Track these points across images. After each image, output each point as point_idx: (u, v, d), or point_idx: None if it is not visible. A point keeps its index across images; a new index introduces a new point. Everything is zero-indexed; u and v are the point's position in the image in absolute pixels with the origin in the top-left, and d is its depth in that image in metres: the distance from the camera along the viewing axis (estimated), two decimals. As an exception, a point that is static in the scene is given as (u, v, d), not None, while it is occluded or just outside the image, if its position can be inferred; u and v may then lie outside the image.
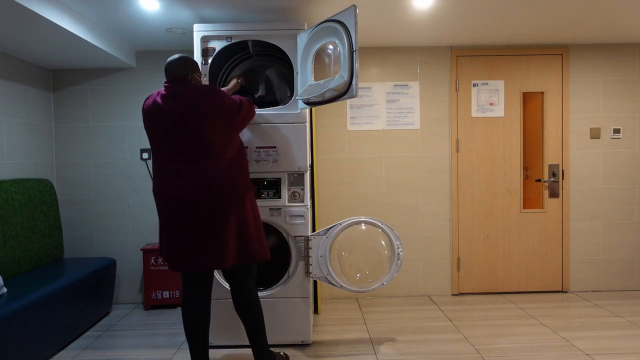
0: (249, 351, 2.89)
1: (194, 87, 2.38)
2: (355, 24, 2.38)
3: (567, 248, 4.07)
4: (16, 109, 3.44)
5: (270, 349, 2.61)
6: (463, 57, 4.01)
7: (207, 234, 2.30)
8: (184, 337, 3.17)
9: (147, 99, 2.44)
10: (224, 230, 2.32)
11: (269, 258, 2.53)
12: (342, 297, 4.02)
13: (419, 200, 4.05)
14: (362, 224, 2.97)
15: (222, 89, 2.79)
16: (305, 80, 2.78)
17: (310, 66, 2.74)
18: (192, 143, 2.30)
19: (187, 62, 2.45)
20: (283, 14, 3.10)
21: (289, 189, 2.93)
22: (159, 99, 2.37)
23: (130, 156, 3.91)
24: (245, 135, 2.86)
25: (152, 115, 2.37)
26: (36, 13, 2.55)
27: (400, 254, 2.92)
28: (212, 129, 2.32)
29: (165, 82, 2.41)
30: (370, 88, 4.00)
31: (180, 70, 2.42)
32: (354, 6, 2.37)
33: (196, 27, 2.93)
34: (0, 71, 3.28)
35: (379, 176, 4.04)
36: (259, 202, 2.89)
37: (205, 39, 2.93)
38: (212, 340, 2.92)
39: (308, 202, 2.96)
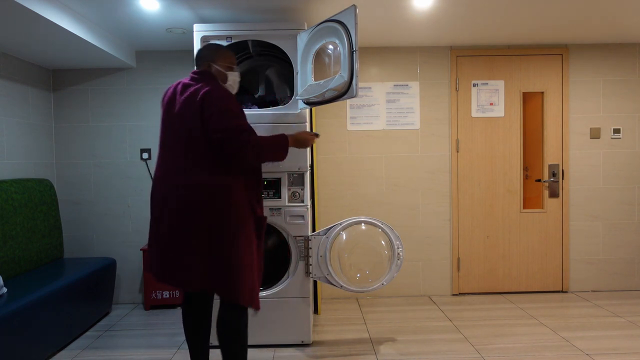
0: (249, 351, 2.88)
1: (205, 88, 2.13)
2: (355, 24, 2.38)
3: (567, 248, 4.07)
4: (16, 109, 3.44)
5: None
6: (463, 57, 4.01)
7: (175, 245, 2.10)
8: (184, 337, 3.17)
9: (170, 87, 2.28)
10: (189, 245, 2.08)
11: (256, 309, 2.22)
12: (342, 297, 4.02)
13: (419, 200, 4.05)
14: (362, 224, 2.97)
15: None
16: (305, 80, 2.77)
17: (310, 66, 2.73)
18: (182, 143, 2.14)
19: (205, 52, 2.29)
20: (283, 14, 3.10)
21: (289, 189, 2.93)
22: (179, 89, 2.20)
23: (130, 156, 3.91)
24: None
25: (166, 107, 2.23)
26: (36, 13, 2.54)
27: (400, 254, 2.92)
28: (203, 135, 2.11)
29: (191, 72, 2.26)
30: (370, 88, 4.00)
31: (199, 63, 2.28)
32: (354, 6, 2.37)
33: (196, 27, 2.93)
34: (0, 71, 3.28)
35: (379, 176, 4.04)
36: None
37: (205, 39, 2.93)
38: (213, 340, 2.92)
39: (308, 202, 2.96)
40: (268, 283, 3.01)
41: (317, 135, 2.52)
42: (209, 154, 2.10)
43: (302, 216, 2.93)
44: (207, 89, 2.12)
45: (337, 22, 2.48)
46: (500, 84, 4.02)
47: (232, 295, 2.11)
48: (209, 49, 2.31)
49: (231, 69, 2.33)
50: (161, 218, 2.14)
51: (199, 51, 2.32)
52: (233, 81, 2.35)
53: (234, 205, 2.11)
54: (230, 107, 2.11)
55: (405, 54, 4.01)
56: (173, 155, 2.15)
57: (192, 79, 2.23)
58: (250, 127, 2.16)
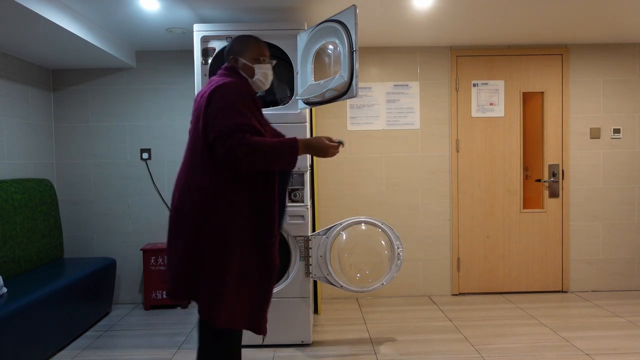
0: (249, 351, 2.89)
1: (217, 84, 1.95)
2: (355, 24, 2.38)
3: (567, 248, 4.07)
4: (16, 109, 3.44)
5: None
6: (463, 57, 4.01)
7: (169, 249, 2.01)
8: (184, 337, 3.17)
9: None
10: (178, 250, 1.96)
11: (254, 331, 2.03)
12: (342, 297, 4.02)
13: (419, 200, 4.05)
14: (362, 224, 2.97)
15: None
16: (305, 80, 2.78)
17: (310, 66, 2.73)
18: (192, 143, 2.03)
19: (233, 45, 2.09)
20: (283, 14, 3.10)
21: (289, 189, 2.93)
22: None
23: (130, 156, 3.91)
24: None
25: (193, 104, 2.11)
26: (36, 13, 2.55)
27: (400, 254, 2.92)
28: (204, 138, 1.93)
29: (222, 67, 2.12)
30: (370, 88, 4.00)
31: (227, 58, 2.09)
32: (354, 6, 2.37)
33: (196, 27, 2.93)
34: (0, 71, 3.28)
35: (379, 176, 4.04)
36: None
37: (205, 39, 2.93)
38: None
39: (308, 202, 2.96)
40: (268, 283, 3.01)
41: (341, 144, 2.09)
42: (212, 154, 1.92)
43: (302, 216, 2.93)
44: (218, 84, 1.92)
45: (337, 22, 2.48)
46: (500, 84, 4.02)
47: (207, 311, 1.88)
48: (237, 42, 2.10)
49: (259, 62, 2.08)
50: (170, 218, 2.05)
51: (228, 45, 2.13)
52: (262, 75, 2.10)
53: (234, 213, 1.91)
54: (234, 104, 1.87)
55: (405, 54, 4.01)
56: (186, 154, 2.02)
57: (218, 74, 2.06)
58: (255, 128, 1.89)
